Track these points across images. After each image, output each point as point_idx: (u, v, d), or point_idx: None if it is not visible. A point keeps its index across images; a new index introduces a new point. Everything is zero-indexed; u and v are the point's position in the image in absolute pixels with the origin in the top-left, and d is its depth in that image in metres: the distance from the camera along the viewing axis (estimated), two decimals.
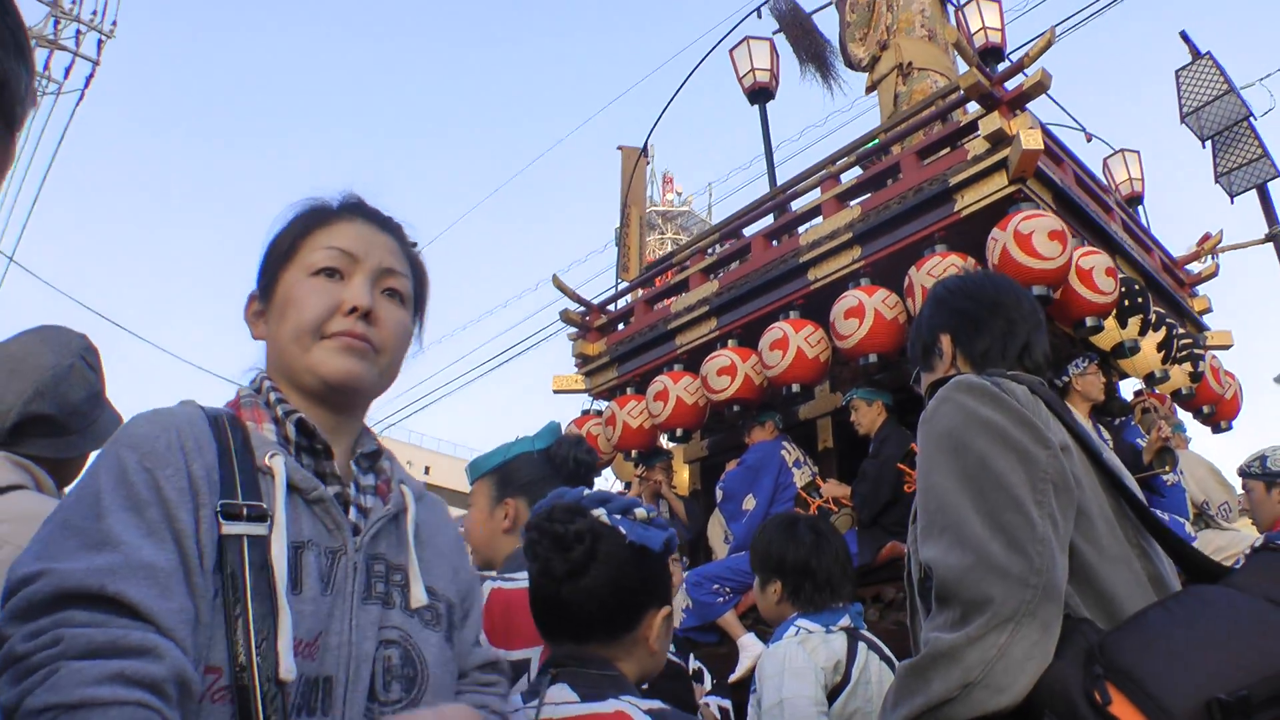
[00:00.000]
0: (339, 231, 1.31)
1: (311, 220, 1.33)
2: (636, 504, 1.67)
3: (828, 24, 6.81)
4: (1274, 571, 1.35)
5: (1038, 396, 1.63)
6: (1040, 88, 4.87)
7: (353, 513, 1.23)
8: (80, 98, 14.37)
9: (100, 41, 14.44)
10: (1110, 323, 5.18)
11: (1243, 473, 5.21)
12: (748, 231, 6.10)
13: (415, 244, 1.43)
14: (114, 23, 14.65)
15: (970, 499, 1.46)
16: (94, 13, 14.45)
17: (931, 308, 2.03)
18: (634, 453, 6.21)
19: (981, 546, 1.40)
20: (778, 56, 6.60)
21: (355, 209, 1.36)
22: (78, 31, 14.32)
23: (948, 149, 5.09)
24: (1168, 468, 5.00)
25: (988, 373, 1.73)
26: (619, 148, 6.98)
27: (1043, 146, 4.62)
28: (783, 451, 5.40)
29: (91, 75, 14.44)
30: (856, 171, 5.69)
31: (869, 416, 5.07)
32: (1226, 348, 7.24)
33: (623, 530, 1.57)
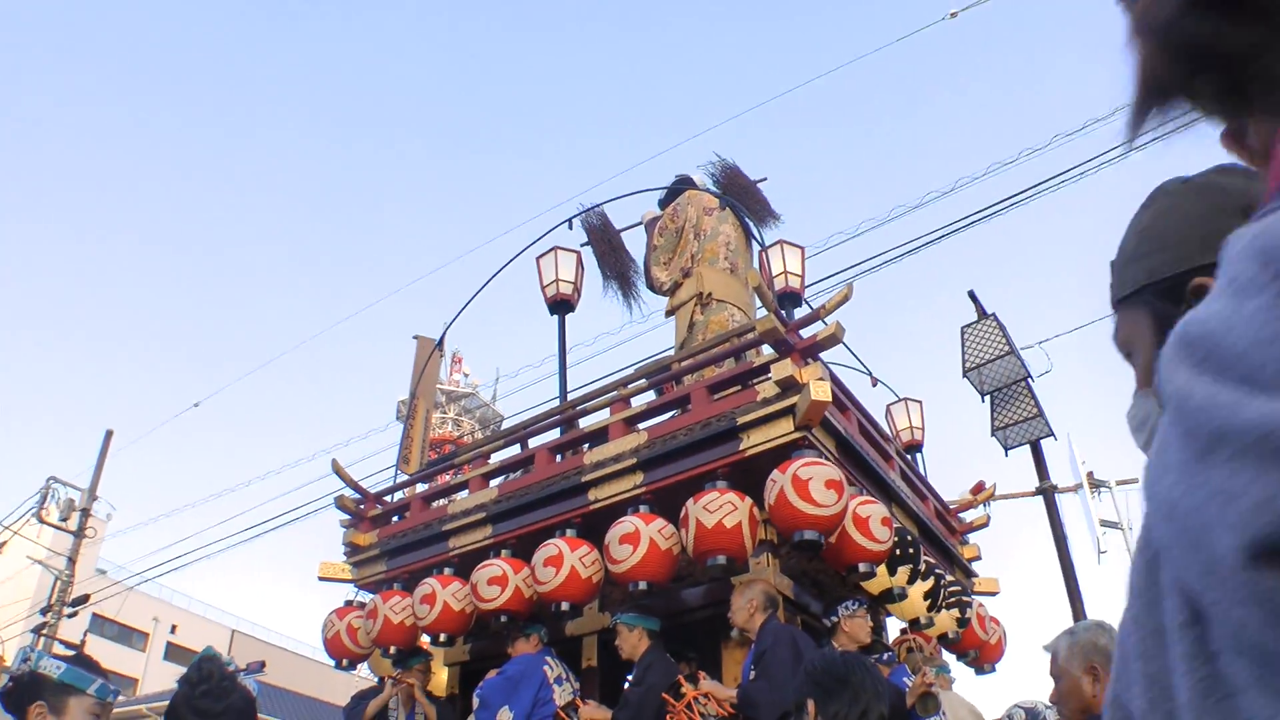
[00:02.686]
0: None
1: None
2: None
3: (635, 243, 6.99)
4: None
5: None
6: (833, 339, 5.07)
7: None
8: None
9: None
10: (881, 569, 5.29)
11: None
12: (534, 442, 6.01)
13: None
14: None
15: None
16: None
17: (802, 679, 3.02)
18: (392, 650, 5.88)
19: None
20: (583, 269, 6.70)
21: None
22: None
23: (739, 387, 5.19)
24: (930, 711, 5.02)
25: None
26: (415, 337, 6.87)
27: (830, 398, 4.77)
28: (545, 666, 5.19)
29: None
30: (648, 396, 5.73)
31: (630, 642, 4.92)
32: (993, 594, 7.50)
33: None
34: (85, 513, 19.29)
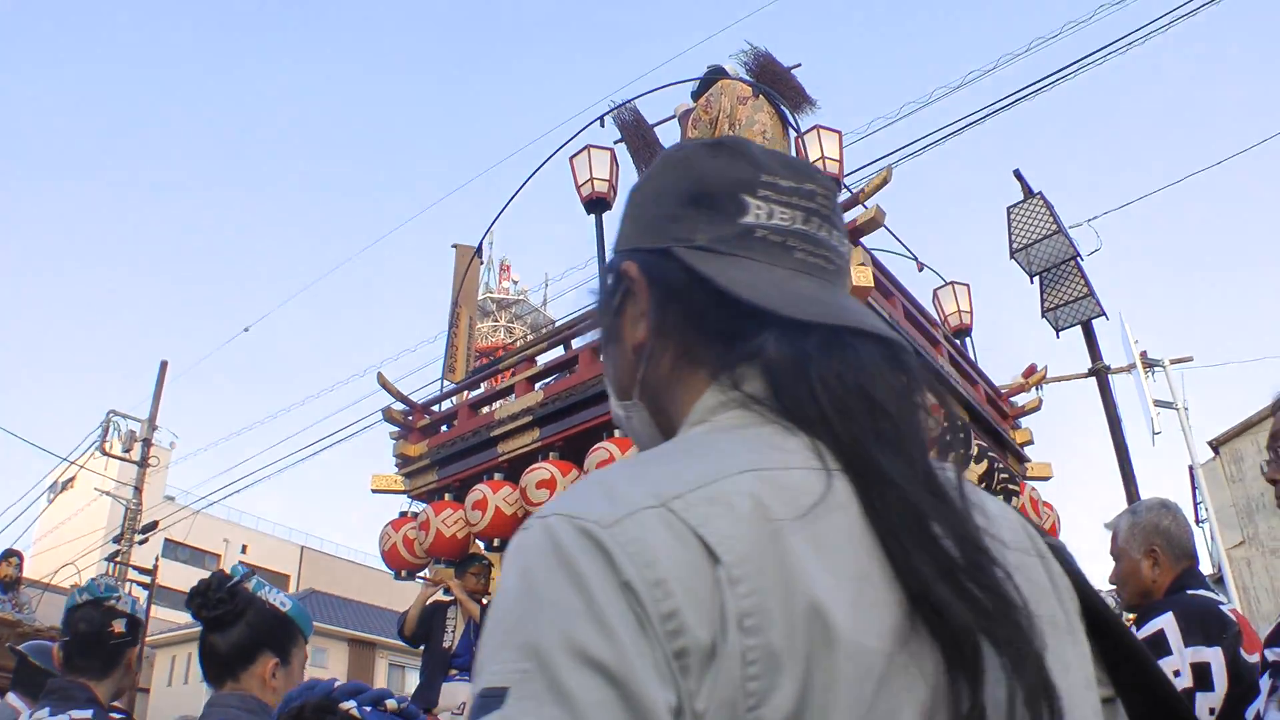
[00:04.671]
0: None
1: None
2: (387, 695, 1.67)
3: (670, 138, 6.83)
4: None
5: None
6: (874, 224, 4.95)
7: None
8: None
9: None
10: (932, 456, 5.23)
11: None
12: (576, 343, 5.97)
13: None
14: None
15: None
16: None
17: None
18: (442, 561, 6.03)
19: None
20: (617, 166, 6.56)
21: None
22: None
23: None
24: None
25: None
26: (453, 245, 6.80)
27: (873, 284, 4.67)
28: None
29: None
30: None
31: None
32: (1046, 479, 7.43)
33: None
34: (147, 443, 19.79)
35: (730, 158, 0.85)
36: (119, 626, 2.48)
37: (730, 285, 0.79)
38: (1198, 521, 20.95)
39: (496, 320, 35.24)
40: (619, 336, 0.89)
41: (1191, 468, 23.58)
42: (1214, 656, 2.26)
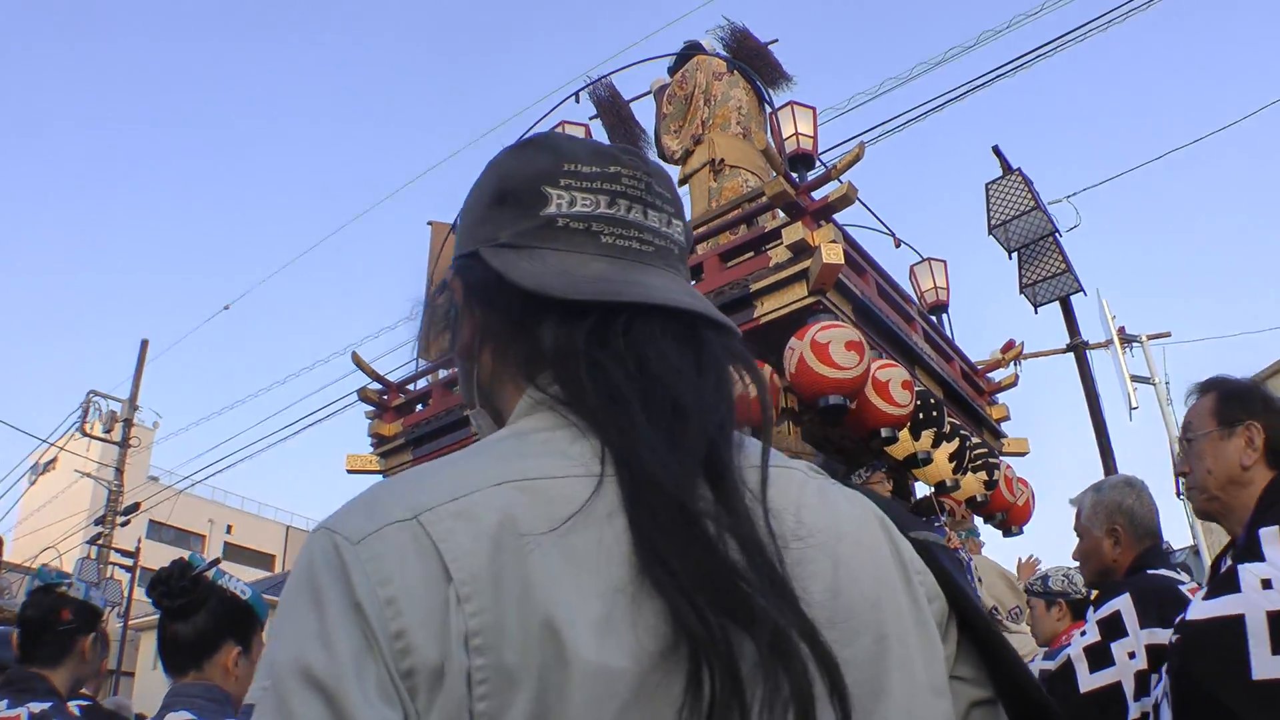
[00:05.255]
0: None
1: None
2: None
3: (645, 113, 6.79)
4: None
5: None
6: (846, 200, 4.93)
7: None
8: None
9: None
10: (904, 434, 5.24)
11: (1026, 590, 5.31)
12: None
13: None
14: None
15: None
16: None
17: None
18: None
19: None
20: None
21: None
22: None
23: (751, 253, 5.08)
24: None
25: None
26: (429, 223, 6.75)
27: (843, 261, 4.65)
28: None
29: None
30: None
31: None
32: (1022, 455, 7.45)
33: None
34: (128, 423, 19.70)
35: (534, 153, 0.85)
36: (68, 613, 2.45)
37: (516, 277, 0.80)
38: (1178, 495, 21.10)
39: None
40: (454, 345, 0.90)
41: (1171, 443, 23.77)
42: (1170, 638, 2.27)
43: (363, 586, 0.64)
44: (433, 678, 0.62)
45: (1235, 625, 1.77)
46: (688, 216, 6.60)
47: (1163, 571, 2.58)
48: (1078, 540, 2.92)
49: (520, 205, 0.83)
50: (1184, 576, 2.63)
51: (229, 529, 38.06)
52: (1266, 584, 1.79)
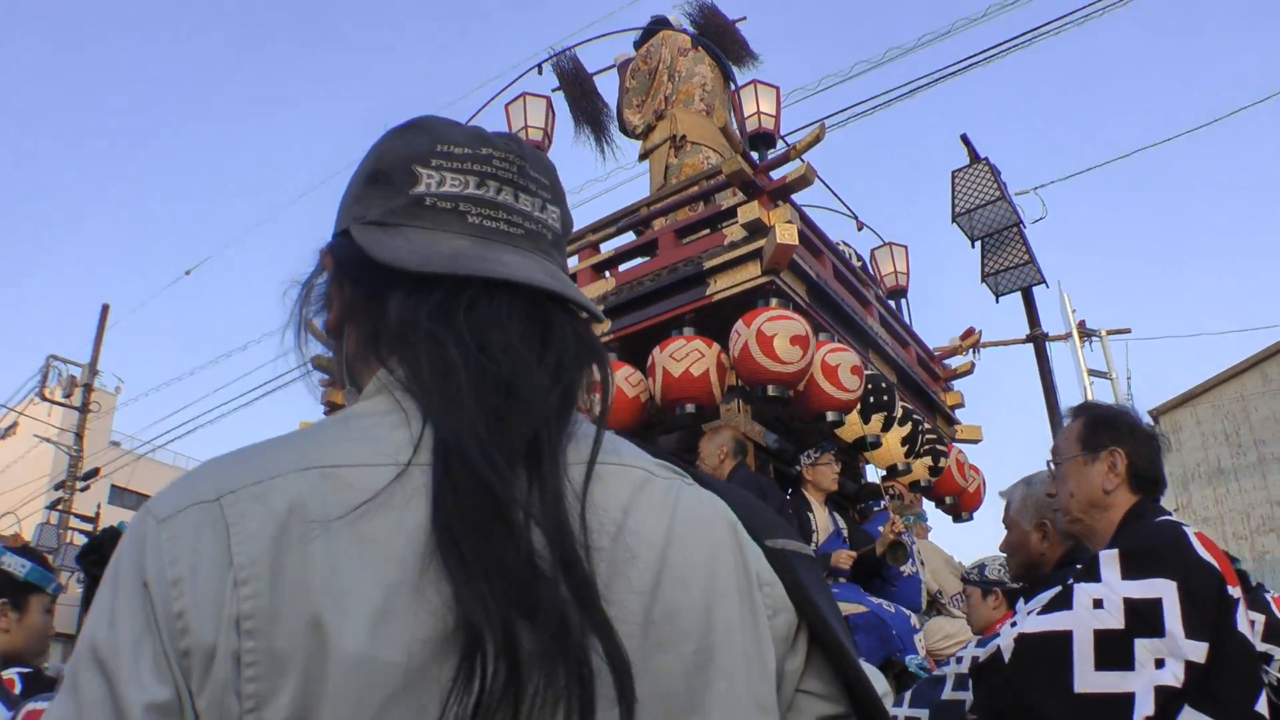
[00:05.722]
0: None
1: None
2: None
3: (608, 87, 6.75)
4: None
5: None
6: (804, 181, 4.93)
7: None
8: None
9: None
10: (854, 417, 5.27)
11: (963, 578, 5.35)
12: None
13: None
14: None
15: None
16: None
17: None
18: None
19: None
20: (554, 115, 6.49)
21: None
22: None
23: (707, 231, 5.08)
24: (899, 560, 5.04)
25: None
26: None
27: (797, 242, 4.65)
28: None
29: None
30: (617, 242, 5.62)
31: None
32: (976, 442, 7.51)
33: None
34: (88, 388, 19.49)
35: (412, 134, 0.85)
36: None
37: (375, 252, 0.79)
38: None
39: None
40: (324, 324, 0.89)
41: None
42: (975, 654, 2.28)
43: (153, 566, 0.65)
44: (206, 658, 0.62)
45: (1063, 641, 1.85)
46: (646, 190, 6.64)
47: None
48: (1006, 532, 2.92)
49: (391, 184, 0.83)
50: None
51: None
52: (1098, 604, 1.87)
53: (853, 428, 5.28)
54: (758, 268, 4.70)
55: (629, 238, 5.63)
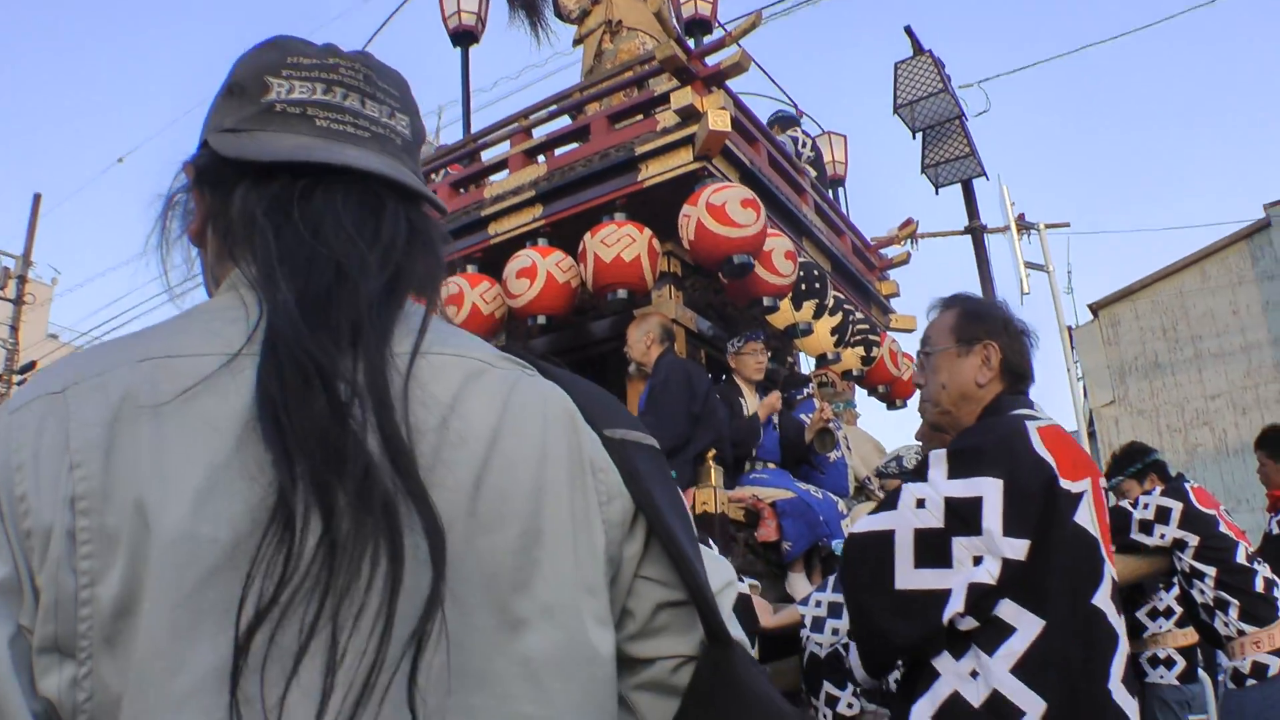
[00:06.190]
0: None
1: None
2: None
3: None
4: None
5: None
6: (738, 68, 4.88)
7: None
8: None
9: None
10: (786, 304, 5.33)
11: (879, 473, 5.50)
12: (436, 178, 5.85)
13: None
14: None
15: None
16: None
17: None
18: None
19: None
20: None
21: None
22: None
23: (640, 116, 5.04)
24: (827, 447, 5.16)
25: None
26: None
27: (729, 128, 4.63)
28: None
29: None
30: (551, 128, 5.56)
31: None
32: (909, 331, 7.63)
33: None
34: (22, 280, 19.04)
35: (266, 50, 0.89)
36: None
37: (224, 150, 0.84)
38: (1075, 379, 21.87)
39: None
40: (188, 232, 0.92)
41: (1071, 329, 24.50)
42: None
43: (1, 453, 0.70)
44: (44, 537, 0.67)
45: (886, 540, 1.89)
46: (578, 78, 6.52)
47: None
48: (921, 422, 3.00)
49: (245, 94, 0.86)
50: None
51: None
52: (920, 503, 1.89)
53: (784, 315, 5.34)
54: (690, 154, 4.68)
55: (563, 123, 5.56)
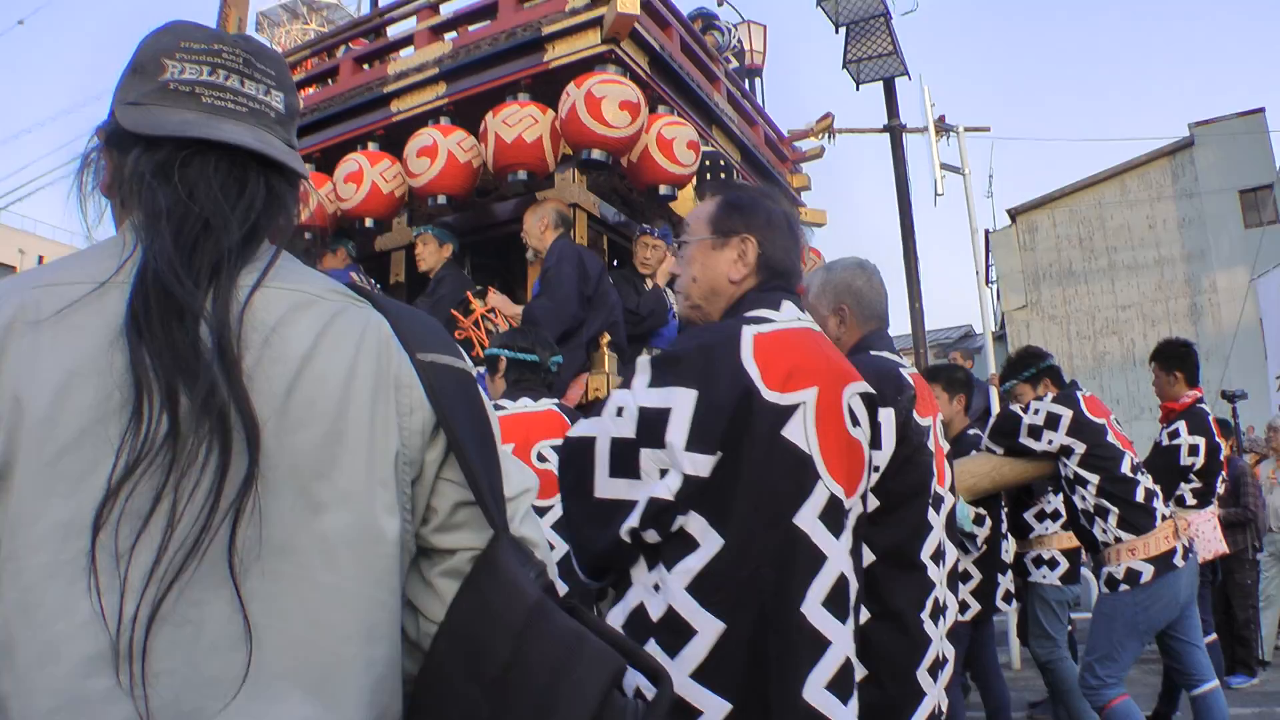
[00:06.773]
0: None
1: None
2: None
3: None
4: None
5: None
6: None
7: None
8: None
9: None
10: (689, 193, 5.37)
11: None
12: (340, 52, 5.72)
13: None
14: None
15: None
16: None
17: None
18: None
19: None
20: None
21: None
22: None
23: None
24: None
25: None
26: None
27: (638, 11, 4.58)
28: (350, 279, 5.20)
29: None
30: (459, 5, 5.43)
31: (430, 255, 4.98)
32: (819, 225, 7.71)
33: None
34: None
35: (165, 35, 1.07)
36: None
37: (125, 123, 1.02)
38: (988, 282, 22.39)
39: (307, 23, 33.20)
40: (100, 185, 1.10)
41: (988, 232, 24.94)
42: (886, 417, 2.27)
43: None
44: None
45: (588, 446, 1.84)
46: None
47: (885, 354, 2.58)
48: None
49: (144, 73, 1.05)
50: (905, 360, 2.66)
51: (40, 259, 36.19)
52: (620, 411, 1.82)
53: (686, 203, 5.38)
54: (597, 35, 4.63)
55: (469, 1, 5.44)
